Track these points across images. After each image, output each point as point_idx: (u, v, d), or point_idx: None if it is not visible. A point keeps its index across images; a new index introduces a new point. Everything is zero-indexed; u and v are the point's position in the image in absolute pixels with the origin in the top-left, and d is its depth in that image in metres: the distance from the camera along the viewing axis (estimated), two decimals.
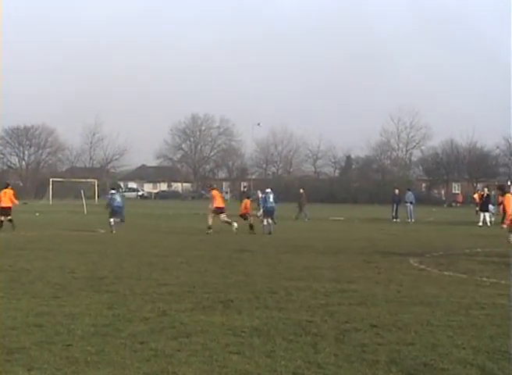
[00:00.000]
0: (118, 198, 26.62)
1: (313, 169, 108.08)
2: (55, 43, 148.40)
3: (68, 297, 10.08)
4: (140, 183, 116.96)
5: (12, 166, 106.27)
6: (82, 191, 54.12)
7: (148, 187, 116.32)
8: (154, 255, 16.81)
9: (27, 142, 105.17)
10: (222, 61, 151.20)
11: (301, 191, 40.87)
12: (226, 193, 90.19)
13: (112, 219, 25.53)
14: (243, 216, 27.33)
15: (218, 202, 25.80)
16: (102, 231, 25.02)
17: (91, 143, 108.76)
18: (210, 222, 25.06)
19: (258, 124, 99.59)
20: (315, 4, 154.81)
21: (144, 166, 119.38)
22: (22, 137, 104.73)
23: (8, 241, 20.02)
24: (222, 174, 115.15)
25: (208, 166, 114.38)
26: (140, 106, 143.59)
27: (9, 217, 26.10)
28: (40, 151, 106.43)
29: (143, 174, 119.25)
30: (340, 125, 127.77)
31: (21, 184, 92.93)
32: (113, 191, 27.61)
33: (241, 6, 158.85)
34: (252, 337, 7.64)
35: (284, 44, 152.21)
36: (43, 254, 16.63)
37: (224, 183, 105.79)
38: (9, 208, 26.33)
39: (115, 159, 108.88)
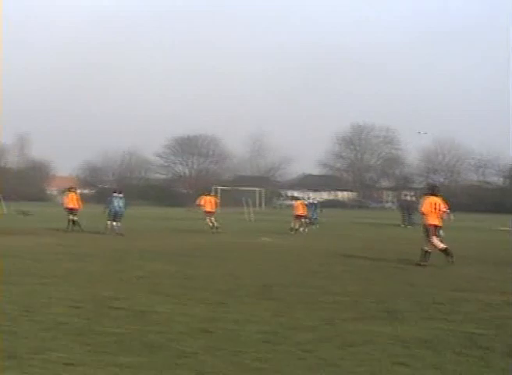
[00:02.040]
0: (116, 202, 28.09)
1: (477, 178, 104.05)
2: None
3: (234, 304, 10.26)
4: (303, 191, 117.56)
5: (180, 174, 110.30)
6: (246, 199, 55.12)
7: (312, 196, 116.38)
8: (318, 263, 16.84)
9: (193, 151, 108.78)
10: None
11: (409, 197, 40.44)
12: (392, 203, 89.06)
13: (108, 222, 27.37)
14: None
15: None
16: (267, 239, 25.39)
17: (255, 152, 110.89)
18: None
19: (419, 132, 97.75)
20: None
21: (306, 174, 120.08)
22: (188, 146, 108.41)
23: (175, 247, 20.73)
24: (384, 183, 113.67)
25: (370, 175, 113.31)
26: (303, 115, 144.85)
27: (75, 218, 28.75)
28: (205, 160, 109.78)
29: (306, 183, 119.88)
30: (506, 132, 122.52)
31: (188, 192, 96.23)
32: (114, 194, 28.78)
33: None
34: (419, 348, 7.45)
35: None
36: (209, 261, 17.06)
37: (385, 193, 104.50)
38: (76, 209, 29.17)
39: (279, 168, 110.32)
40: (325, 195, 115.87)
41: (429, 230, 17.19)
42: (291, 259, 17.72)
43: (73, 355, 6.79)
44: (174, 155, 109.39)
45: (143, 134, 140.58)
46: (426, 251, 16.93)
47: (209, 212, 30.65)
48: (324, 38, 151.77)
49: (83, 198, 34.03)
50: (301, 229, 31.72)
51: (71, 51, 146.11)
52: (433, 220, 17.23)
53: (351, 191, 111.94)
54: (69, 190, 30.88)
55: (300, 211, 32.05)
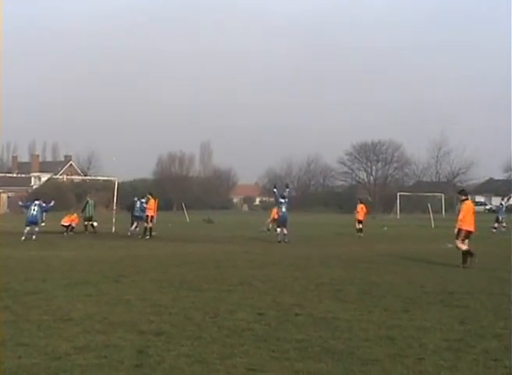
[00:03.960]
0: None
1: None
2: None
3: (418, 311, 10.07)
4: (488, 196, 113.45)
5: (361, 181, 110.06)
6: (429, 205, 54.07)
7: (496, 201, 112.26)
8: (505, 270, 16.21)
9: (375, 157, 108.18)
10: None
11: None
12: None
13: (278, 229, 27.61)
14: None
15: None
16: (450, 245, 24.70)
17: (437, 157, 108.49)
18: None
19: None
20: None
21: (491, 179, 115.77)
22: (369, 152, 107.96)
23: (357, 254, 20.69)
24: None
25: None
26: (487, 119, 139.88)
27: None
28: (387, 166, 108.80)
29: (490, 188, 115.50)
30: None
31: (370, 199, 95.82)
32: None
33: None
34: None
35: None
36: (392, 268, 16.88)
37: None
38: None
39: (462, 173, 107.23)
40: None
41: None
42: (477, 266, 17.12)
43: (256, 361, 6.91)
44: (356, 161, 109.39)
45: (325, 142, 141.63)
46: None
47: None
48: None
49: (266, 206, 35.10)
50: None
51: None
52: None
53: None
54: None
55: None
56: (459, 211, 18.31)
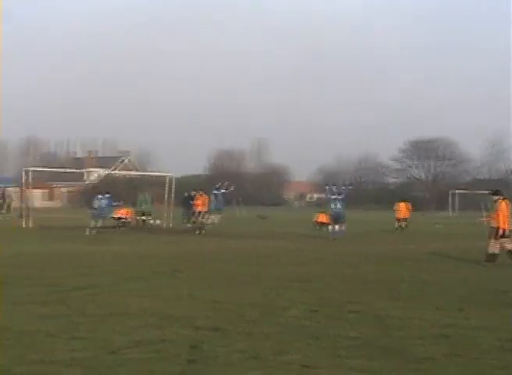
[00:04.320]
0: (334, 204, 28.01)
1: None
2: None
3: (472, 310, 9.95)
4: None
5: (416, 178, 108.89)
6: (482, 204, 53.24)
7: None
8: None
9: (430, 154, 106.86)
10: None
11: None
12: None
13: (330, 227, 27.76)
14: None
15: None
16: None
17: (493, 154, 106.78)
18: None
19: None
20: None
21: None
22: (425, 149, 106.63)
23: (409, 251, 20.53)
24: None
25: None
26: None
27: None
28: (442, 163, 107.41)
29: None
30: None
31: (424, 196, 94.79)
32: (333, 197, 28.75)
33: None
34: None
35: None
36: (443, 266, 16.75)
37: None
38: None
39: None
40: None
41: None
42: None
43: (310, 358, 6.92)
44: (410, 158, 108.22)
45: (378, 139, 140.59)
46: None
47: None
48: None
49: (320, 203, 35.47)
50: None
51: None
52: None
53: None
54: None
55: None
56: (496, 210, 17.95)
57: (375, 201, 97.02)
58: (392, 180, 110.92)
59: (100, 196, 29.20)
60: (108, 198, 29.35)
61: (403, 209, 34.89)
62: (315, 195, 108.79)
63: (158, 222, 33.33)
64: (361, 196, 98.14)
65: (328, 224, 28.75)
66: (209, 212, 30.66)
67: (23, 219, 32.75)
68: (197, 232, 29.09)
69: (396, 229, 33.98)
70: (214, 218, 30.84)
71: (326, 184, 30.69)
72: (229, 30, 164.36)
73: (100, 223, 28.05)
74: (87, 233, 26.94)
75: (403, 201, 36.61)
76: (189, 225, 31.43)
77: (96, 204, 28.72)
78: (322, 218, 33.67)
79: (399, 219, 34.67)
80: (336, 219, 27.49)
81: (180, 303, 10.12)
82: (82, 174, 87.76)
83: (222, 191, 31.92)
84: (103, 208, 28.40)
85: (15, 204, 52.16)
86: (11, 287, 11.60)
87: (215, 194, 31.41)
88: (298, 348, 7.37)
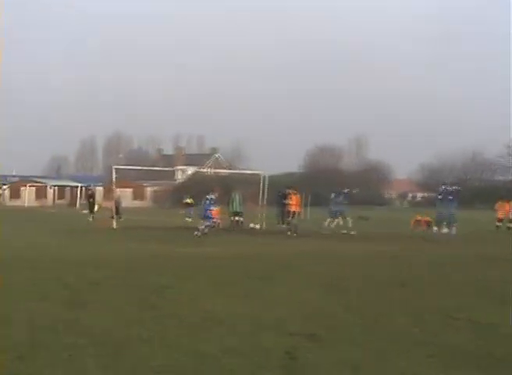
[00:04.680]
0: (208, 202, 27.68)
1: None
2: None
3: None
4: None
5: None
6: None
7: None
8: None
9: None
10: None
11: None
12: None
13: (435, 228, 27.63)
14: None
15: None
16: None
17: None
18: None
19: None
20: None
21: None
22: None
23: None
24: None
25: None
26: None
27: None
28: None
29: None
30: None
31: None
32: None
33: None
34: None
35: None
36: None
37: None
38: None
39: None
40: None
41: None
42: None
43: (414, 366, 6.50)
44: None
45: (487, 135, 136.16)
46: None
47: None
48: None
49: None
50: None
51: None
52: None
53: None
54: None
55: None
56: None
57: (482, 200, 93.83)
58: (501, 178, 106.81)
59: (209, 196, 28.37)
60: (211, 199, 28.55)
61: (505, 209, 33.75)
62: (418, 194, 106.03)
63: (257, 226, 32.55)
64: (467, 195, 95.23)
65: (429, 226, 28.05)
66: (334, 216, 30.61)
67: (114, 220, 32.71)
68: (290, 233, 28.46)
69: (497, 228, 32.89)
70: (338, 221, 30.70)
71: (443, 184, 30.64)
72: None
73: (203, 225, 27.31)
74: (199, 234, 26.38)
75: (507, 200, 35.42)
76: (283, 226, 30.78)
77: (205, 203, 28.01)
78: (423, 219, 33.30)
79: (500, 219, 33.54)
80: (439, 221, 26.93)
81: (274, 308, 9.69)
82: (172, 172, 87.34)
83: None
84: (205, 210, 27.76)
85: (104, 203, 51.67)
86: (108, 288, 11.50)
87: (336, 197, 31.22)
88: (401, 355, 6.91)
